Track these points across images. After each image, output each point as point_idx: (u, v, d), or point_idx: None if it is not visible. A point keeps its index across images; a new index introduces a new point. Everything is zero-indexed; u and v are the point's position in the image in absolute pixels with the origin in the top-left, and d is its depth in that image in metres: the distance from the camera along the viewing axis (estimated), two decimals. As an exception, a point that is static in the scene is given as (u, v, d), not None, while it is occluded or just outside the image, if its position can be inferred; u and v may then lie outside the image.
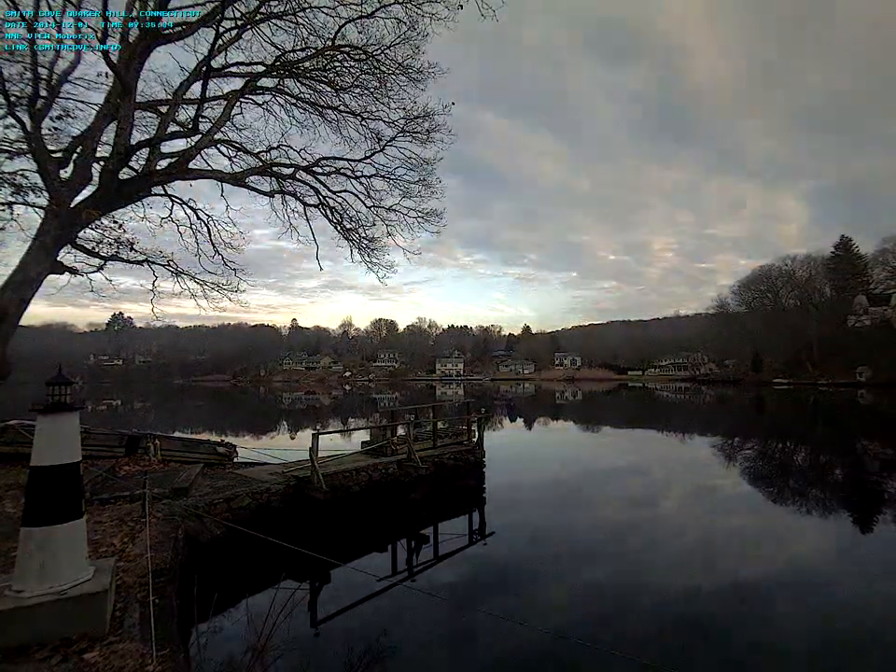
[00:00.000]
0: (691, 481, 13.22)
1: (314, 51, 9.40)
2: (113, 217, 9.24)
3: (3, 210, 8.41)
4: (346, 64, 9.89)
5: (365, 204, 12.20)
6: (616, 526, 9.15)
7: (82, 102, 9.18)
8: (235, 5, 8.30)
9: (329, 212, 11.86)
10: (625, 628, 5.32)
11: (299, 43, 9.43)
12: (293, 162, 11.14)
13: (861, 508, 10.29)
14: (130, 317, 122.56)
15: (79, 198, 7.85)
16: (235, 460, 11.14)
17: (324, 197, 11.71)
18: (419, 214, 12.43)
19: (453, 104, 11.30)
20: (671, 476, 13.84)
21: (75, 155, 8.04)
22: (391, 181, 12.08)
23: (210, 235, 11.55)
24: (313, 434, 8.88)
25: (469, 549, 7.93)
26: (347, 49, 9.59)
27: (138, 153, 8.66)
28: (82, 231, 8.25)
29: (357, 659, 4.69)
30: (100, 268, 9.65)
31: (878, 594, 6.18)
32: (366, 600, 6.06)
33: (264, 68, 9.40)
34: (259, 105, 11.19)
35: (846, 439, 21.17)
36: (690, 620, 5.52)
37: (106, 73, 8.34)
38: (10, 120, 7.64)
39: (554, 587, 6.45)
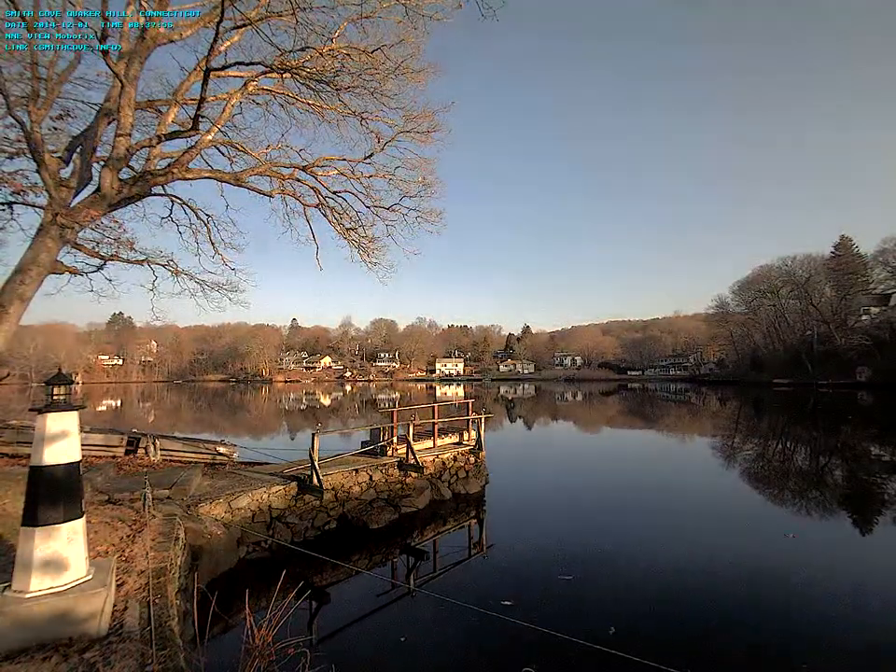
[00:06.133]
0: (693, 482, 13.23)
1: (314, 51, 9.40)
2: (113, 216, 9.25)
3: (3, 210, 8.42)
4: (346, 64, 9.88)
5: (365, 204, 12.21)
6: (617, 529, 9.14)
7: (82, 102, 9.20)
8: (235, 5, 8.29)
9: (328, 212, 11.87)
10: (627, 632, 5.32)
11: (299, 43, 9.41)
12: (293, 162, 11.14)
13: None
14: (130, 317, 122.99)
15: (79, 198, 7.85)
16: (235, 459, 11.14)
17: (324, 197, 11.71)
18: (419, 213, 12.45)
19: (452, 103, 11.36)
20: (673, 478, 13.84)
21: (75, 155, 8.04)
22: (391, 181, 12.09)
23: (210, 235, 11.58)
24: (312, 434, 8.87)
25: (470, 561, 7.71)
26: (347, 49, 9.59)
27: (138, 153, 8.66)
28: (82, 231, 8.25)
29: (357, 663, 4.69)
30: (100, 268, 9.65)
31: None
32: (366, 603, 6.06)
33: (264, 68, 9.39)
34: (259, 104, 11.20)
35: (853, 443, 21.16)
36: (692, 627, 5.53)
37: (106, 73, 8.36)
38: (10, 120, 7.64)
39: (555, 597, 6.43)
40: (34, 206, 8.41)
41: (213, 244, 11.63)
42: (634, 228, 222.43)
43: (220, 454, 10.91)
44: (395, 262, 12.98)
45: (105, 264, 9.63)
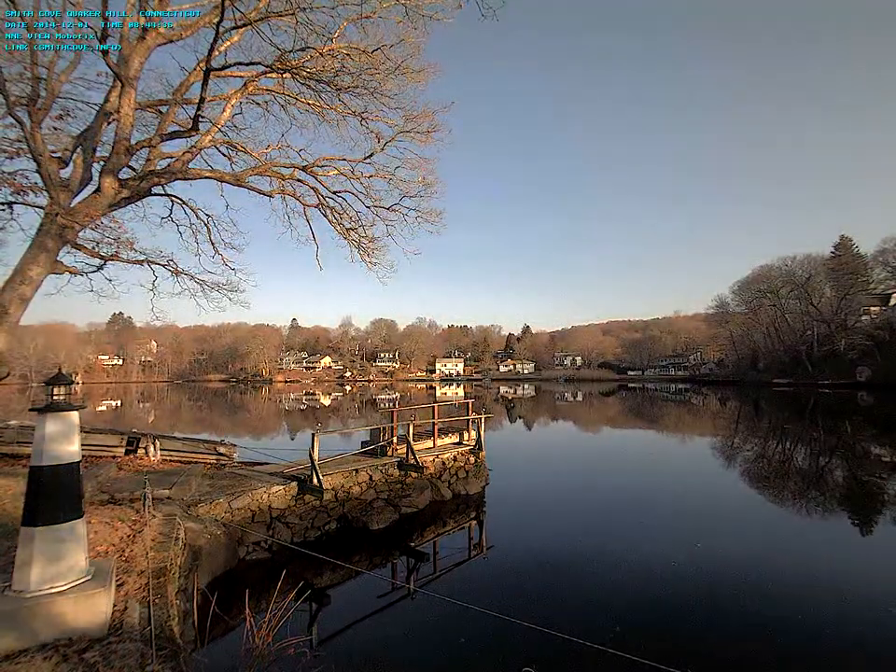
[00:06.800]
0: (693, 483, 13.22)
1: (314, 51, 9.41)
2: (113, 216, 9.25)
3: (3, 210, 8.41)
4: (346, 64, 9.89)
5: (364, 204, 12.21)
6: (617, 529, 9.14)
7: (82, 102, 9.19)
8: (235, 5, 8.30)
9: (328, 212, 11.86)
10: (627, 632, 5.32)
11: (299, 43, 9.43)
12: (293, 163, 11.14)
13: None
14: (130, 317, 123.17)
15: (79, 198, 7.85)
16: (235, 459, 11.14)
17: (324, 197, 11.71)
18: (419, 213, 12.44)
19: (452, 103, 11.36)
20: (673, 479, 13.84)
21: (75, 155, 8.03)
22: (391, 181, 12.08)
23: (210, 235, 11.57)
24: (312, 434, 8.87)
25: (470, 562, 7.65)
26: (347, 49, 9.59)
27: (138, 153, 8.66)
28: (82, 231, 8.25)
29: (357, 664, 4.68)
30: (100, 268, 9.65)
31: None
32: (366, 604, 6.05)
33: (264, 68, 9.40)
34: (259, 104, 11.20)
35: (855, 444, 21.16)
36: (693, 627, 5.53)
37: (106, 73, 8.36)
38: (10, 120, 7.64)
39: (555, 597, 6.43)
40: (34, 206, 8.41)
41: (213, 244, 11.63)
42: (634, 228, 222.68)
43: (220, 454, 10.89)
44: (395, 262, 12.96)
45: (104, 264, 9.62)
